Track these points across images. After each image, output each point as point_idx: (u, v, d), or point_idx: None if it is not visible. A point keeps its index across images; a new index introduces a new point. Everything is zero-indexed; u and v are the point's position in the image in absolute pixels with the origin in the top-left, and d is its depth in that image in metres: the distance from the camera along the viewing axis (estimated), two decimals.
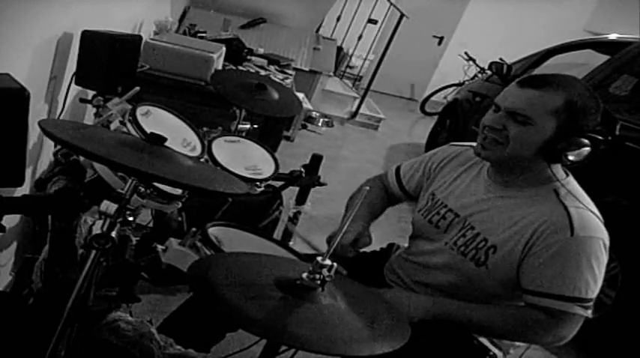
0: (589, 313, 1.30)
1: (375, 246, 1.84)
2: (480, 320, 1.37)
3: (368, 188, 1.13)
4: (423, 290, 1.52)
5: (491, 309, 1.39)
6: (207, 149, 1.75)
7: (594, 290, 1.30)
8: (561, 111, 1.29)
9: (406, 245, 1.70)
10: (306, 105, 5.11)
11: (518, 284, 1.36)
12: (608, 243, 1.32)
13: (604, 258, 1.31)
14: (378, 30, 7.05)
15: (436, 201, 1.55)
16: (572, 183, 1.41)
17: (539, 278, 1.31)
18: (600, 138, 1.30)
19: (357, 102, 6.55)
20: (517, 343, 1.50)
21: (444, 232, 1.50)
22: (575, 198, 1.35)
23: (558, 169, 1.40)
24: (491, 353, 1.47)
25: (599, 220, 1.33)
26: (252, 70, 3.93)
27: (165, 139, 1.16)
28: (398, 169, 1.72)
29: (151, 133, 1.16)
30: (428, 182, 1.62)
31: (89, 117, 2.25)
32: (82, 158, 1.71)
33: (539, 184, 1.38)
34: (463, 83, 7.03)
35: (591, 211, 1.34)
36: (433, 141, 5.43)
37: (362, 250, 1.78)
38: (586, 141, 1.30)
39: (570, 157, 1.32)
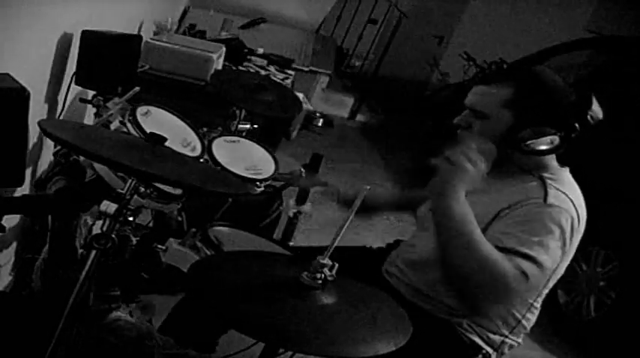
0: (528, 274, 1.24)
1: (378, 243, 1.85)
2: (475, 239, 1.27)
3: (368, 187, 1.14)
4: (421, 279, 1.52)
5: (486, 243, 1.28)
6: (207, 149, 1.75)
7: (545, 257, 1.25)
8: (513, 102, 1.33)
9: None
10: (306, 105, 5.11)
11: None
12: (579, 226, 1.32)
13: (568, 232, 1.29)
14: (378, 30, 7.05)
15: None
16: (563, 174, 1.41)
17: (497, 234, 1.29)
18: (562, 124, 1.31)
19: (357, 102, 6.56)
20: (509, 342, 1.49)
21: None
22: (559, 183, 1.35)
23: (552, 161, 1.41)
24: (483, 352, 1.47)
25: (573, 203, 1.32)
26: (252, 70, 3.93)
27: (165, 139, 1.16)
28: None
29: (151, 133, 1.16)
30: None
31: (89, 117, 2.25)
32: (82, 158, 1.71)
33: (526, 173, 1.39)
34: (463, 83, 7.03)
35: (566, 194, 1.33)
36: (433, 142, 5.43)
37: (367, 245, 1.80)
38: (550, 129, 1.31)
39: (539, 147, 1.33)
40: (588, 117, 1.32)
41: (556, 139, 1.33)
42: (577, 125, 1.32)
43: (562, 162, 1.44)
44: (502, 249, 1.27)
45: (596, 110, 1.34)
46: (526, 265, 1.25)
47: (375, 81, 6.62)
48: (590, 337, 3.04)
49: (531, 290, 1.33)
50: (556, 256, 1.29)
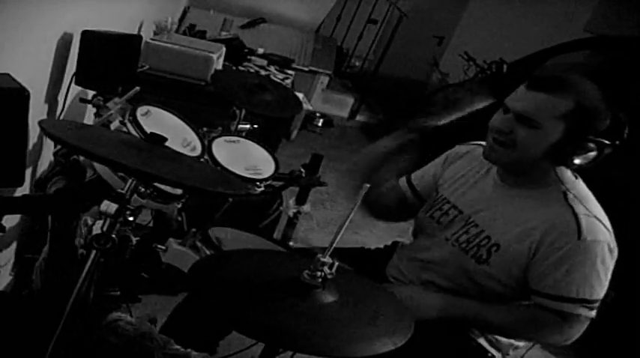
0: (593, 314, 1.32)
1: (377, 243, 1.85)
2: (491, 320, 1.38)
3: (368, 185, 1.14)
4: (426, 288, 1.51)
5: (502, 309, 1.39)
6: (207, 149, 1.75)
7: (599, 293, 1.32)
8: (570, 116, 1.28)
9: (408, 243, 1.71)
10: (306, 105, 5.10)
11: (526, 285, 1.37)
12: (614, 246, 1.33)
13: (610, 262, 1.32)
14: (378, 30, 7.05)
15: (439, 197, 1.56)
16: (580, 186, 1.41)
17: (546, 280, 1.32)
18: (607, 142, 1.29)
19: (357, 102, 6.55)
20: (516, 343, 1.50)
21: (444, 228, 1.50)
22: (584, 202, 1.35)
23: (566, 172, 1.40)
24: (489, 355, 1.47)
25: (604, 226, 1.33)
26: (252, 70, 3.93)
27: (165, 139, 1.16)
28: (409, 176, 1.71)
29: (151, 133, 1.17)
30: (436, 180, 1.63)
31: (89, 117, 2.25)
32: (82, 158, 1.71)
33: (547, 185, 1.37)
34: (463, 83, 7.03)
35: (597, 217, 1.33)
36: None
37: (365, 246, 1.80)
38: (593, 145, 1.30)
39: (577, 161, 1.32)
40: (625, 137, 1.31)
41: (594, 155, 1.31)
42: (616, 144, 1.30)
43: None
44: (554, 297, 1.31)
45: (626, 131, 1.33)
46: (579, 309, 1.31)
47: (375, 81, 6.61)
48: (590, 337, 3.03)
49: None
50: (604, 285, 1.33)
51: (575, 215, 1.31)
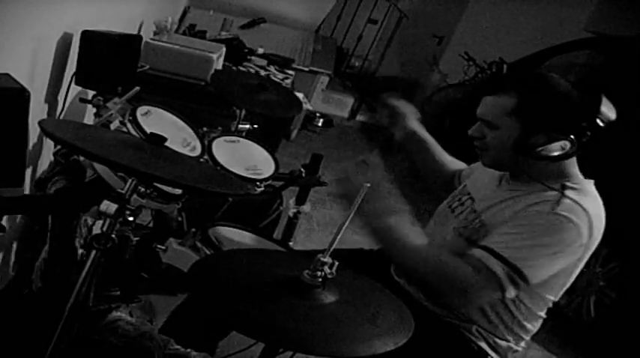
0: (512, 293, 1.26)
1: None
2: (406, 259, 1.35)
3: (369, 184, 1.15)
4: None
5: (422, 251, 1.34)
6: (207, 149, 1.75)
7: (535, 272, 1.26)
8: (518, 110, 1.33)
9: None
10: (306, 105, 5.10)
11: None
12: (586, 243, 1.29)
13: (569, 250, 1.28)
14: (378, 30, 7.05)
15: (465, 192, 1.59)
16: (586, 184, 1.39)
17: (492, 236, 1.32)
18: (571, 129, 1.30)
19: (357, 102, 6.56)
20: (515, 347, 1.50)
21: (454, 218, 1.53)
22: (580, 194, 1.33)
23: (573, 168, 1.40)
24: None
25: (587, 217, 1.29)
26: (252, 70, 3.93)
27: (165, 139, 1.16)
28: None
29: (151, 133, 1.17)
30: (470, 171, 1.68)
31: (89, 117, 2.25)
32: (82, 158, 1.71)
33: (549, 180, 1.36)
34: (463, 83, 7.03)
35: (583, 207, 1.29)
36: None
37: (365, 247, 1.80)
38: (559, 134, 1.31)
39: (553, 153, 1.32)
40: (597, 119, 1.30)
41: (567, 144, 1.31)
42: (586, 128, 1.30)
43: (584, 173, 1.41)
44: (486, 249, 1.28)
45: (607, 111, 1.32)
46: (500, 271, 1.24)
47: (375, 81, 6.61)
48: (590, 337, 3.04)
49: (508, 295, 1.28)
50: (546, 266, 1.28)
51: (560, 197, 1.30)
